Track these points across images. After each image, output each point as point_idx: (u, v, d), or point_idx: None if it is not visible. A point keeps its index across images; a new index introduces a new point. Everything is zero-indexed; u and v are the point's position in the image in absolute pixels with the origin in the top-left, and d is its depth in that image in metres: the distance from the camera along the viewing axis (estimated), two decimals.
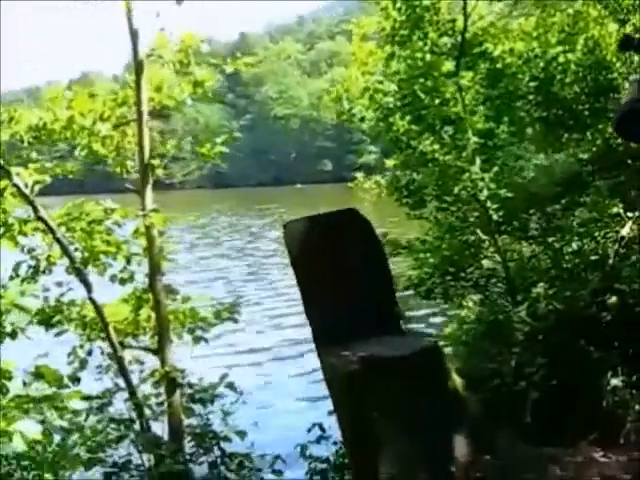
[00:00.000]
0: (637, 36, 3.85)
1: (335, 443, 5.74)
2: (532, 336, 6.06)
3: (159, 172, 5.84)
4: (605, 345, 5.89)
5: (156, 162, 5.80)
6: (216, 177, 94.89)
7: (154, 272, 5.69)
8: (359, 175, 9.09)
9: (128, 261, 5.83)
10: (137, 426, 5.55)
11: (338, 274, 5.08)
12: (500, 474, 4.58)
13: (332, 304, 5.04)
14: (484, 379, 5.85)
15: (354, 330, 4.99)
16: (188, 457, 5.75)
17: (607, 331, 6.05)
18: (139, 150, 5.73)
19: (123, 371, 5.76)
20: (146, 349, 5.94)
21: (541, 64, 8.27)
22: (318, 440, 5.76)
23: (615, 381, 5.63)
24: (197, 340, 6.08)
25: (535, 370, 5.54)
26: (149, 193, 5.71)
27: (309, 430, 5.81)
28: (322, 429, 5.75)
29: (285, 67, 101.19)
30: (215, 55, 7.60)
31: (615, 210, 7.93)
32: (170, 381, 5.65)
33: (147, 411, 5.68)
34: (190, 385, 5.79)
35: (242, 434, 5.82)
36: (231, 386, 5.96)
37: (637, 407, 5.48)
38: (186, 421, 5.93)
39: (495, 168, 7.58)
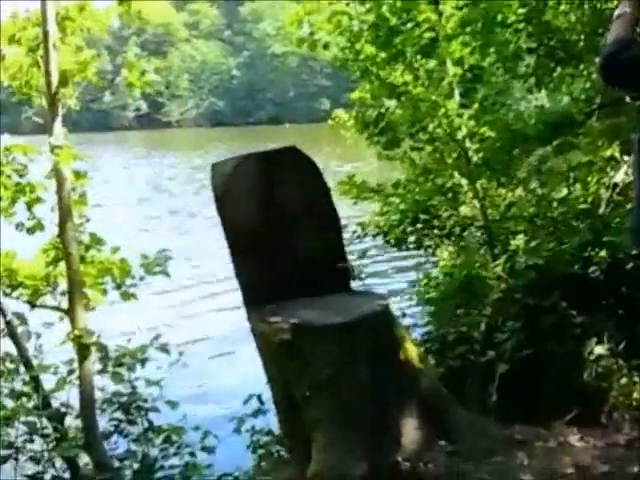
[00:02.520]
0: None
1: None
2: (507, 296, 5.32)
3: (71, 102, 5.01)
4: (591, 307, 5.16)
5: (68, 91, 4.97)
6: (213, 115, 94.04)
7: (65, 219, 4.91)
8: (338, 112, 8.16)
9: (29, 207, 5.06)
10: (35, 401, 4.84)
11: (272, 223, 4.32)
12: (455, 462, 3.89)
13: (263, 257, 4.29)
14: (449, 345, 5.14)
15: (290, 289, 4.27)
16: (111, 429, 5.07)
17: (594, 291, 5.32)
18: (46, 77, 4.89)
19: (14, 337, 5.03)
20: (55, 308, 5.21)
21: None
22: (255, 413, 5.07)
23: (600, 349, 4.91)
24: (126, 296, 5.35)
25: (507, 337, 4.81)
26: (58, 126, 4.89)
27: (246, 402, 5.12)
28: (260, 401, 5.05)
29: (284, 3, 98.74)
30: None
31: (610, 153, 7.15)
32: (82, 345, 4.93)
33: (52, 383, 4.96)
34: (104, 349, 5.05)
35: (174, 404, 5.12)
36: (163, 348, 5.23)
37: (623, 380, 4.77)
38: (112, 388, 5.22)
39: (476, 104, 6.74)
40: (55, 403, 5.03)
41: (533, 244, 5.85)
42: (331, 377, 3.84)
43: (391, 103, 6.59)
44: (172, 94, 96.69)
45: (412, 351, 4.22)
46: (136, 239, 14.38)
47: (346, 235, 7.26)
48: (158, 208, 24.91)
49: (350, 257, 5.12)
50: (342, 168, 24.26)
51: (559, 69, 7.55)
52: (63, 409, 4.95)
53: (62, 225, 4.94)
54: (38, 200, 5.03)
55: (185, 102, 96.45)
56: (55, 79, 4.86)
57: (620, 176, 6.76)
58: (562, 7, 7.46)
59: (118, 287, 5.32)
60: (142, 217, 23.07)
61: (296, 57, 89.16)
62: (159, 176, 35.97)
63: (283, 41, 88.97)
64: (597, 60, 3.05)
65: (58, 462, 4.78)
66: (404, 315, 5.41)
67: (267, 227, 4.33)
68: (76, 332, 4.93)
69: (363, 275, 5.10)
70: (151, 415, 5.13)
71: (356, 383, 3.86)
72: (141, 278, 5.32)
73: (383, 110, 6.70)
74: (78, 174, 5.08)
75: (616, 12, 2.99)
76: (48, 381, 5.03)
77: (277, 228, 4.35)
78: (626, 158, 6.82)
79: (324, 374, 3.84)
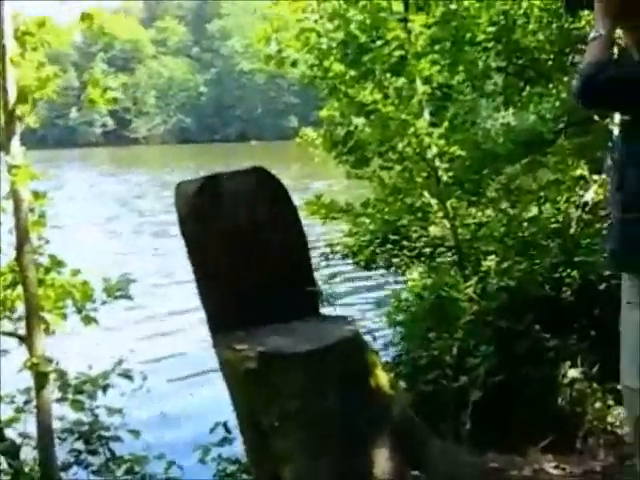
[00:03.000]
0: None
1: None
2: (479, 319, 5.22)
3: (29, 120, 4.82)
4: (563, 330, 5.08)
5: (25, 108, 4.78)
6: (181, 132, 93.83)
7: (22, 241, 4.71)
8: (306, 130, 7.99)
9: None
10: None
11: (237, 245, 4.16)
12: None
13: (229, 282, 4.14)
14: (420, 370, 5.01)
15: (257, 314, 4.11)
16: (71, 460, 4.86)
17: (566, 313, 5.24)
18: (2, 93, 4.69)
19: None
20: (11, 334, 5.00)
21: (502, 8, 7.36)
22: (221, 442, 4.89)
23: (573, 373, 4.82)
24: (87, 321, 5.16)
25: (479, 362, 4.70)
26: (16, 145, 4.69)
27: (212, 430, 4.94)
28: (227, 429, 4.88)
29: (252, 21, 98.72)
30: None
31: (579, 172, 7.11)
32: (40, 374, 4.72)
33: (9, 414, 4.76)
34: (64, 375, 4.84)
35: (136, 433, 4.93)
36: (126, 374, 5.04)
37: (597, 404, 4.68)
38: (73, 417, 5.01)
39: (445, 123, 6.66)
40: (14, 434, 4.82)
41: (505, 265, 5.78)
42: (300, 406, 3.69)
43: (360, 121, 6.48)
44: (139, 111, 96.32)
45: (383, 378, 4.08)
46: (103, 259, 14.02)
47: (314, 256, 7.15)
48: (126, 226, 24.50)
49: (319, 281, 5.00)
50: (312, 185, 24.13)
51: (528, 88, 7.52)
52: (19, 441, 4.74)
53: (19, 248, 4.73)
54: None
55: (152, 119, 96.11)
56: (12, 96, 4.67)
57: (590, 195, 6.73)
58: (531, 26, 7.43)
59: (79, 311, 5.12)
60: (109, 236, 22.70)
61: (264, 74, 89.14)
62: (127, 194, 35.54)
63: (251, 58, 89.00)
64: (573, 82, 2.96)
65: None
66: (375, 339, 5.28)
67: (233, 250, 4.18)
68: (34, 359, 4.72)
69: (332, 299, 4.98)
70: (113, 445, 4.94)
71: (326, 412, 3.72)
72: (103, 302, 5.13)
73: (352, 128, 6.59)
74: (37, 194, 4.89)
75: (591, 35, 2.91)
76: (4, 412, 4.83)
77: (243, 251, 4.20)
78: (595, 177, 6.79)
79: (293, 403, 3.69)
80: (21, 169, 4.54)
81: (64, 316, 5.10)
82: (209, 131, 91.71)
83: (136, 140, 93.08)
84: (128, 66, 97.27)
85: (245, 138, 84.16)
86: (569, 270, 5.65)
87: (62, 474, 4.84)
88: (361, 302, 10.72)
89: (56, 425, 4.98)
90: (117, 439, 4.93)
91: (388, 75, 6.37)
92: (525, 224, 6.46)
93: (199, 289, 4.21)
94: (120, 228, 24.05)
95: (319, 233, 9.18)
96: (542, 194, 6.82)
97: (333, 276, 5.22)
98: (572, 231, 6.36)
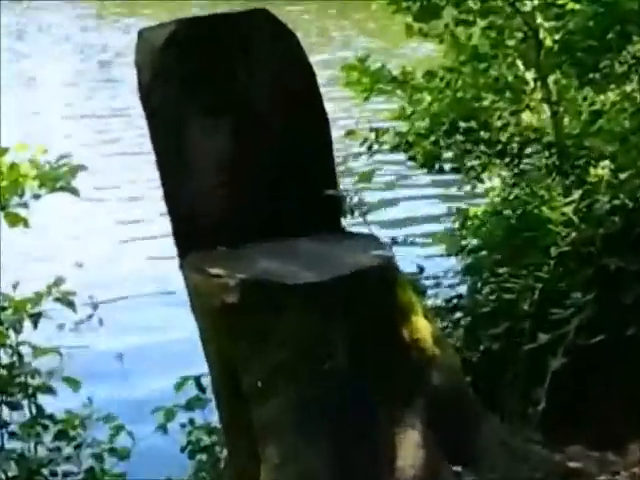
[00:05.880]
0: None
1: None
2: (577, 252, 5.11)
3: None
4: None
5: None
6: None
7: None
8: None
9: None
10: None
11: (221, 122, 4.08)
12: None
13: (208, 177, 4.07)
14: (485, 320, 4.96)
15: (249, 226, 4.07)
16: None
17: None
18: None
19: None
20: None
21: None
22: (189, 404, 4.92)
23: None
24: (14, 220, 5.08)
25: (569, 314, 4.61)
26: None
27: (178, 387, 4.98)
28: (200, 386, 4.89)
29: None
30: None
31: None
32: None
33: None
34: None
35: (75, 384, 4.97)
36: (66, 299, 5.03)
37: None
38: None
39: None
40: None
41: (624, 176, 5.63)
42: (293, 361, 3.66)
43: None
44: None
45: (424, 328, 4.02)
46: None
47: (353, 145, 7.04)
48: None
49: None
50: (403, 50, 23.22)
51: None
52: None
53: None
54: None
55: None
56: None
57: None
58: None
59: (2, 207, 5.08)
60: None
61: None
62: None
63: None
64: None
65: None
66: (422, 271, 5.23)
67: (214, 129, 4.09)
68: None
69: (364, 209, 4.85)
70: (43, 399, 4.99)
71: (330, 372, 3.67)
72: (35, 196, 5.07)
73: None
74: None
75: None
76: None
77: (230, 131, 4.11)
78: None
79: (284, 355, 3.65)
80: None
81: None
82: None
83: None
84: None
85: None
86: None
87: None
88: (410, 217, 10.65)
89: None
90: (48, 391, 4.96)
91: None
92: None
93: (164, 186, 4.13)
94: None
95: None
96: None
97: (369, 176, 5.06)
98: None
